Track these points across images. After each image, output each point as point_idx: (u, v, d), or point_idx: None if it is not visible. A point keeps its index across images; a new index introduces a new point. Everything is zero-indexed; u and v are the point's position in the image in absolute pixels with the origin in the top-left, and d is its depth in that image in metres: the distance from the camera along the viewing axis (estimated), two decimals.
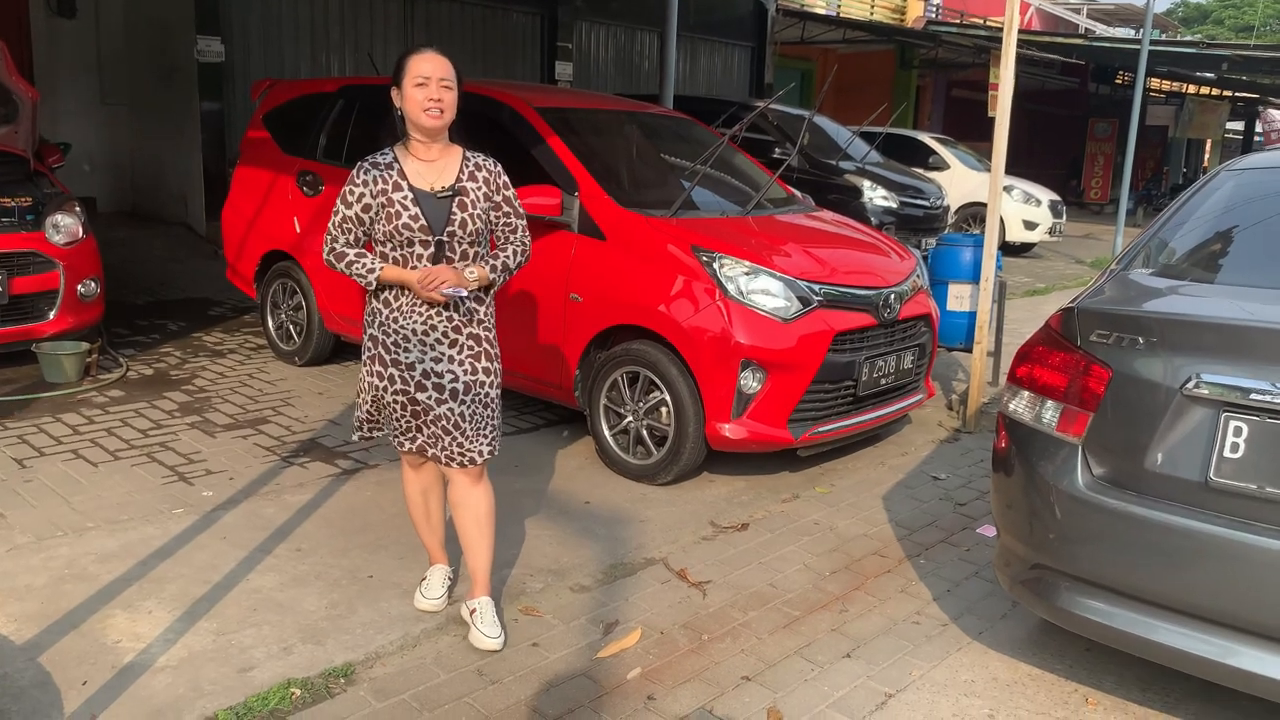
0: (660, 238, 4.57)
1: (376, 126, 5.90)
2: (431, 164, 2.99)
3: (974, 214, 12.92)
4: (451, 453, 3.07)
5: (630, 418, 4.60)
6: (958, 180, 13.11)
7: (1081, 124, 24.04)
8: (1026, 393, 2.92)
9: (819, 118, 11.07)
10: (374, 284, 2.98)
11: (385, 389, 3.07)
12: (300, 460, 4.65)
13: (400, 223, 2.91)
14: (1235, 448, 2.47)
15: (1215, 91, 26.82)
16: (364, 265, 2.96)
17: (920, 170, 12.25)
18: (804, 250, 4.80)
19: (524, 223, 3.15)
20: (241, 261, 6.51)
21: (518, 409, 5.47)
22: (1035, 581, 2.90)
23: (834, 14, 19.98)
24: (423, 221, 2.92)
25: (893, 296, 4.75)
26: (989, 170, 13.27)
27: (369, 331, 3.09)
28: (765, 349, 4.31)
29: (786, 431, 4.43)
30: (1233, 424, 2.48)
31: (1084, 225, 18.24)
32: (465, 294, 2.96)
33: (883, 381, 4.75)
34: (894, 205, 10.17)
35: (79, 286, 5.71)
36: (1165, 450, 2.57)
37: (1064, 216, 13.99)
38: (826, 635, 3.37)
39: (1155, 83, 24.82)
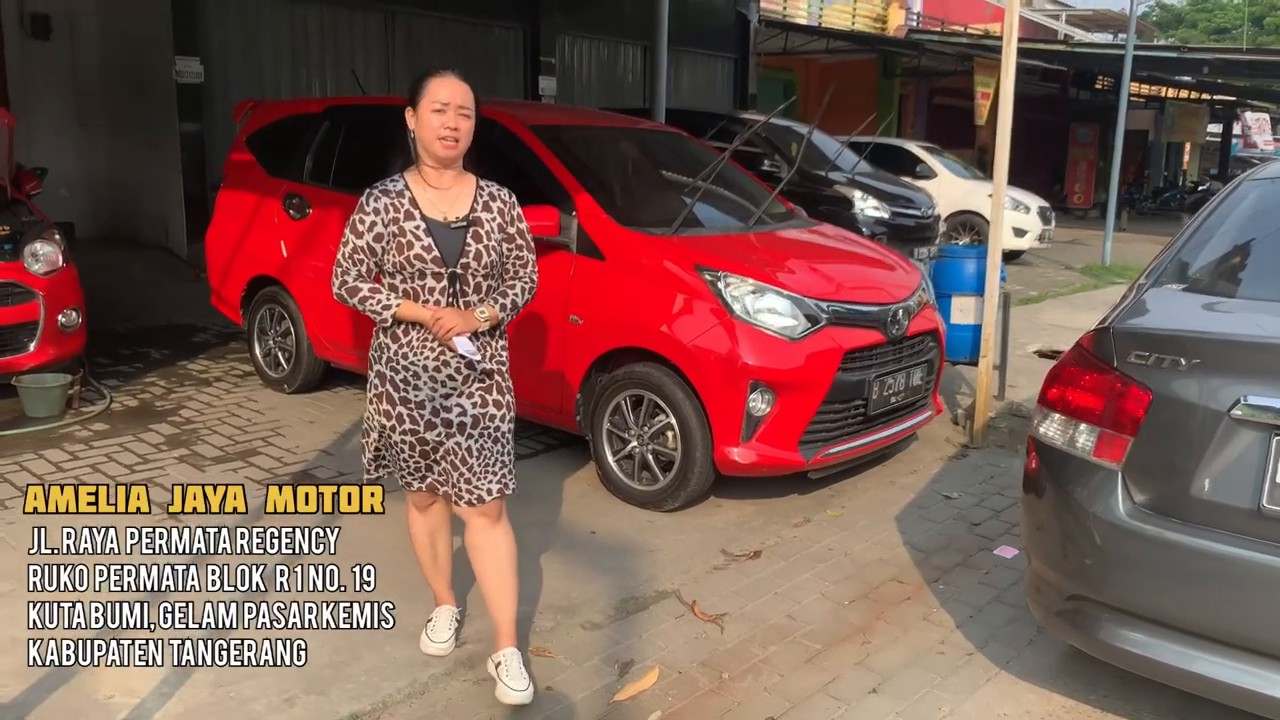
0: (661, 256, 4.45)
1: (364, 147, 5.83)
2: (444, 192, 2.83)
3: (964, 222, 12.87)
4: (460, 490, 2.91)
5: (635, 442, 4.47)
6: (946, 188, 13.05)
7: (1063, 129, 24.12)
8: (1059, 415, 2.81)
9: (806, 128, 10.99)
10: (389, 321, 2.80)
11: (393, 428, 2.88)
12: None
13: (412, 254, 2.76)
14: None
15: (1194, 95, 27.02)
16: (378, 301, 2.79)
17: (909, 179, 12.20)
18: (809, 266, 4.69)
19: (534, 257, 3.00)
20: (227, 287, 6.34)
21: (516, 434, 5.32)
22: (1073, 613, 2.78)
23: (816, 24, 19.98)
24: (435, 253, 2.77)
25: (900, 312, 4.65)
26: (976, 178, 13.22)
27: (376, 367, 2.91)
28: (774, 369, 4.19)
29: (798, 454, 4.31)
30: None
31: (1069, 230, 18.24)
32: (480, 358, 2.82)
33: (893, 399, 4.64)
34: (885, 216, 10.09)
35: (60, 317, 5.53)
36: (1213, 476, 2.46)
37: (1053, 223, 13.97)
38: (850, 669, 3.24)
39: (1135, 87, 24.94)
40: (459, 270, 2.79)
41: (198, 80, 9.56)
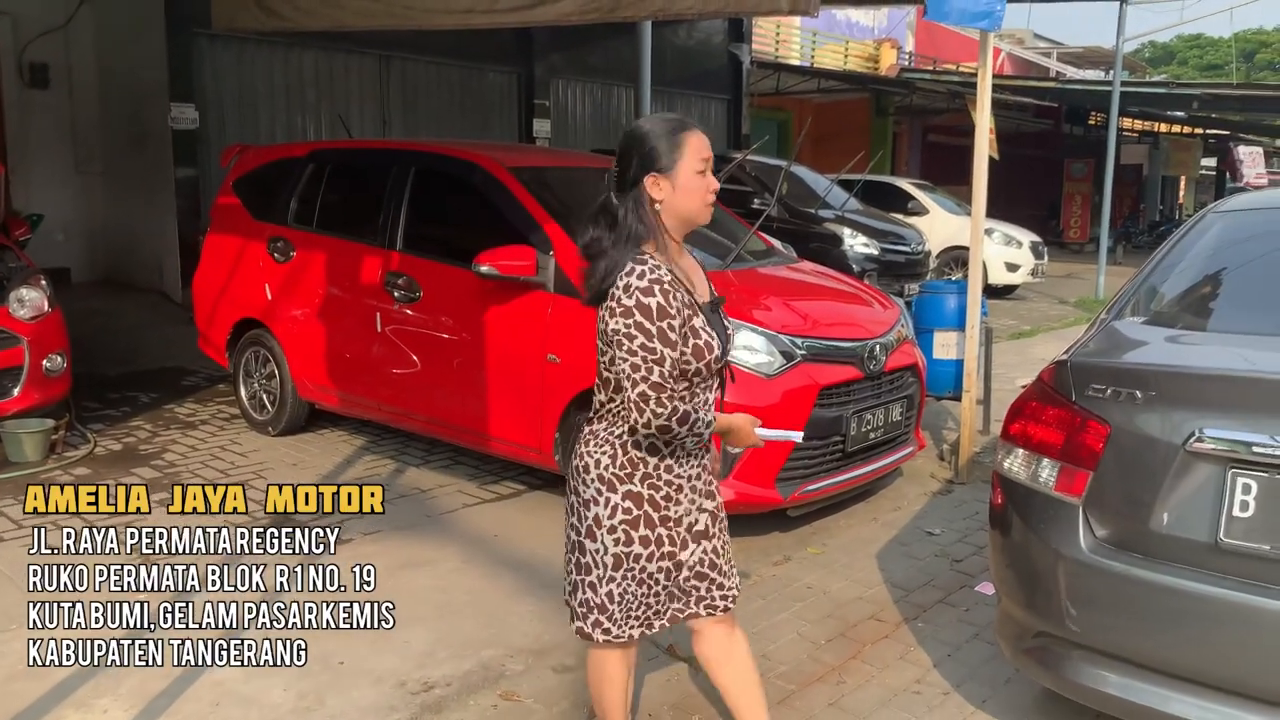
0: None
1: (347, 190, 5.87)
2: (689, 271, 2.41)
3: (956, 258, 12.91)
4: (714, 597, 2.50)
5: None
6: (938, 225, 13.13)
7: (1058, 165, 24.28)
8: (1021, 450, 2.80)
9: (797, 167, 11.08)
10: (707, 438, 2.38)
11: (650, 555, 2.40)
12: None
13: (713, 357, 2.31)
14: (1245, 506, 2.34)
15: (1187, 130, 27.22)
16: (703, 421, 2.31)
17: (900, 216, 12.26)
18: (785, 303, 4.70)
19: None
20: (213, 330, 6.37)
21: (496, 474, 5.32)
22: (1040, 650, 2.75)
23: (808, 65, 20.20)
24: (718, 348, 2.34)
25: (878, 348, 4.65)
26: (968, 214, 13.30)
27: (624, 487, 2.36)
28: (748, 407, 4.14)
29: (775, 491, 4.29)
30: (1241, 481, 2.35)
31: (1065, 265, 18.30)
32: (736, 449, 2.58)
33: (872, 435, 4.63)
34: (875, 252, 10.14)
35: (44, 362, 5.54)
36: (1171, 510, 2.44)
37: (1045, 257, 14.02)
38: (824, 710, 3.21)
39: (1128, 122, 25.14)
40: (727, 359, 2.42)
41: (193, 126, 9.67)
